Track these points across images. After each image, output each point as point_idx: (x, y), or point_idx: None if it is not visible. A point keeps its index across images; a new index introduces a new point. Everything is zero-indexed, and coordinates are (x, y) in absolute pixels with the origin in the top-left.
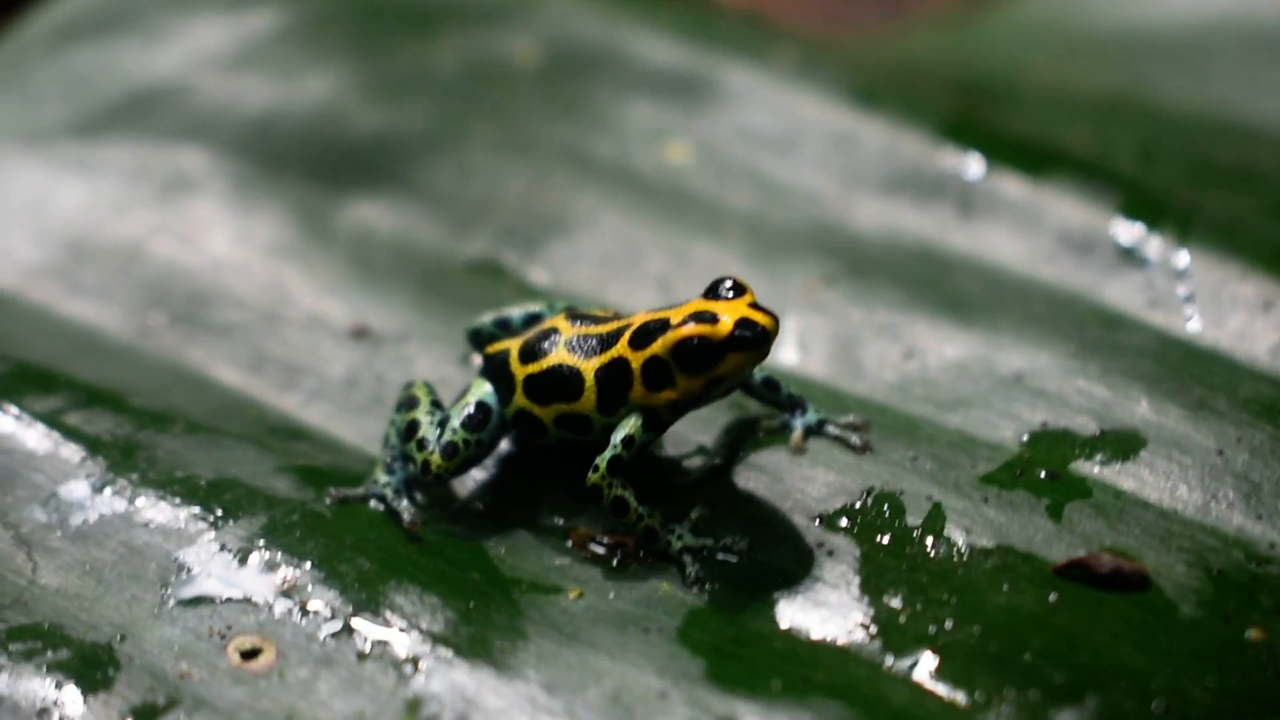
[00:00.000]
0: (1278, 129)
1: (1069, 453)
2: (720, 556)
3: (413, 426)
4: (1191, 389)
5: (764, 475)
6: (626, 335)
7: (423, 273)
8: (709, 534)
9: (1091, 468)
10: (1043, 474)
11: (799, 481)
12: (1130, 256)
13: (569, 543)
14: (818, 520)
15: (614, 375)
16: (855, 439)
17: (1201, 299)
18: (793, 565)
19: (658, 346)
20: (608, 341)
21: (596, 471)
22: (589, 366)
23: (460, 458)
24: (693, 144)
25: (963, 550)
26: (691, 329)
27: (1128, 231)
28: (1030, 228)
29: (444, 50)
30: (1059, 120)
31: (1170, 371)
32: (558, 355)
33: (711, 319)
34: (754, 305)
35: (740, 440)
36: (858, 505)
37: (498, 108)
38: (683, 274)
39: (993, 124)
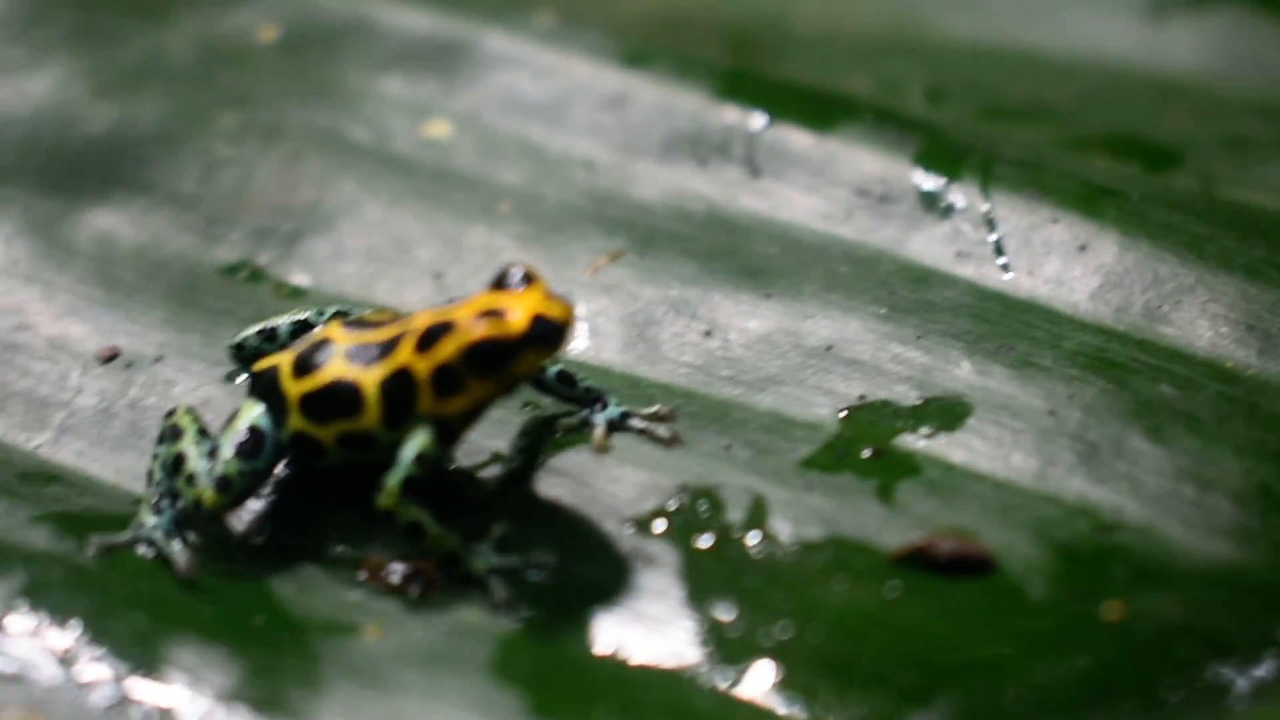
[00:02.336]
0: (1063, 57)
1: (892, 426)
2: (529, 575)
3: (179, 460)
4: (1014, 346)
5: (568, 480)
6: (410, 341)
7: (173, 284)
8: (515, 551)
9: (917, 441)
10: (867, 452)
11: (606, 484)
12: (933, 206)
13: (362, 574)
14: (630, 525)
15: (399, 386)
16: (662, 431)
17: (1012, 246)
18: (608, 578)
19: (446, 351)
20: (388, 348)
21: (387, 494)
22: (371, 378)
23: (235, 491)
24: (454, 118)
25: (791, 545)
26: (482, 331)
27: (928, 180)
28: (823, 183)
29: (176, 35)
30: (836, 63)
31: (989, 328)
32: (334, 368)
33: (501, 316)
34: (547, 296)
35: (538, 443)
36: (673, 505)
37: (240, 95)
38: (457, 262)
39: (769, 74)
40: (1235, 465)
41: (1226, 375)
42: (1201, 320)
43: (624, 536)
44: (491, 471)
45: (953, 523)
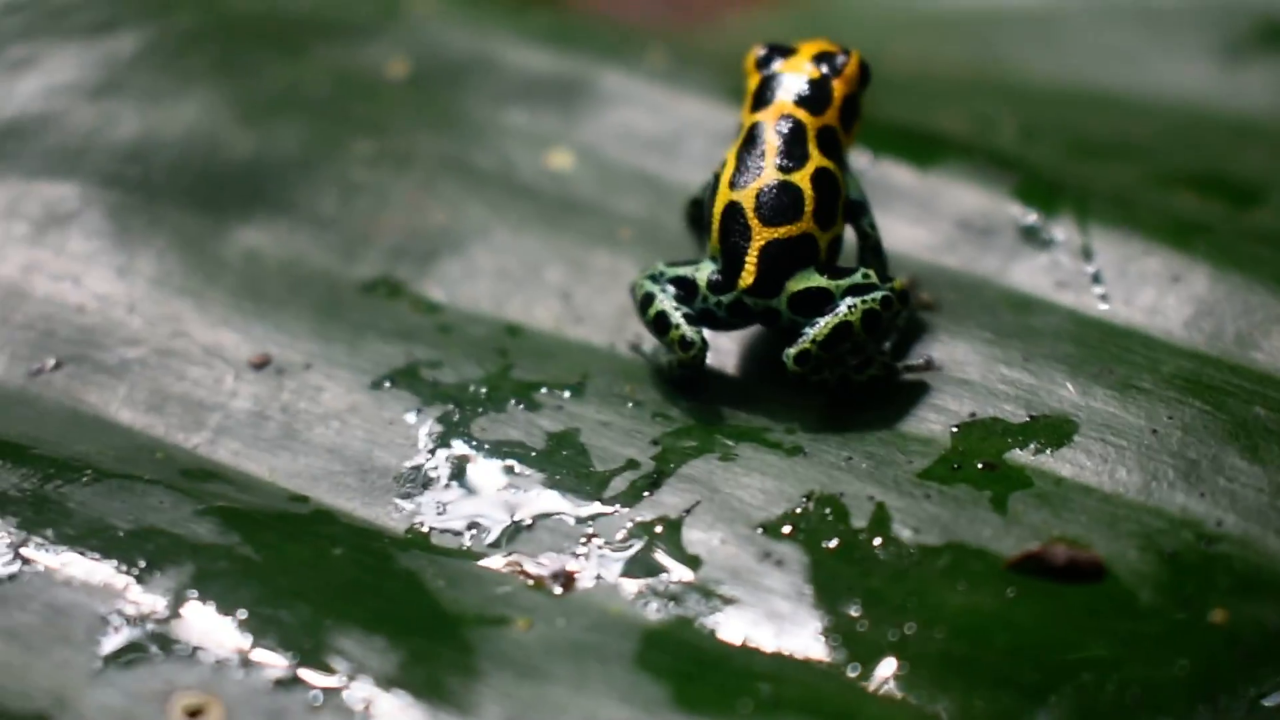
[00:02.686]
0: (1143, 98)
1: (1002, 442)
2: None
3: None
4: (1114, 369)
5: (698, 485)
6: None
7: (317, 297)
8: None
9: (1027, 456)
10: (980, 465)
11: (735, 490)
12: (1033, 238)
13: (507, 567)
14: (760, 529)
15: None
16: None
17: (1109, 276)
18: (742, 577)
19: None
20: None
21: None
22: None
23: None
24: (575, 150)
25: (912, 550)
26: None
27: (1026, 214)
28: (927, 215)
29: (312, 68)
30: (929, 103)
31: (1090, 352)
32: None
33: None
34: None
35: (669, 450)
36: (799, 510)
37: (373, 124)
38: (584, 283)
39: (870, 112)
40: None
41: None
42: None
43: (755, 538)
44: (627, 477)
45: (1064, 532)
